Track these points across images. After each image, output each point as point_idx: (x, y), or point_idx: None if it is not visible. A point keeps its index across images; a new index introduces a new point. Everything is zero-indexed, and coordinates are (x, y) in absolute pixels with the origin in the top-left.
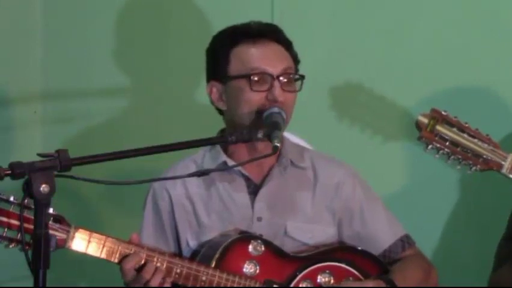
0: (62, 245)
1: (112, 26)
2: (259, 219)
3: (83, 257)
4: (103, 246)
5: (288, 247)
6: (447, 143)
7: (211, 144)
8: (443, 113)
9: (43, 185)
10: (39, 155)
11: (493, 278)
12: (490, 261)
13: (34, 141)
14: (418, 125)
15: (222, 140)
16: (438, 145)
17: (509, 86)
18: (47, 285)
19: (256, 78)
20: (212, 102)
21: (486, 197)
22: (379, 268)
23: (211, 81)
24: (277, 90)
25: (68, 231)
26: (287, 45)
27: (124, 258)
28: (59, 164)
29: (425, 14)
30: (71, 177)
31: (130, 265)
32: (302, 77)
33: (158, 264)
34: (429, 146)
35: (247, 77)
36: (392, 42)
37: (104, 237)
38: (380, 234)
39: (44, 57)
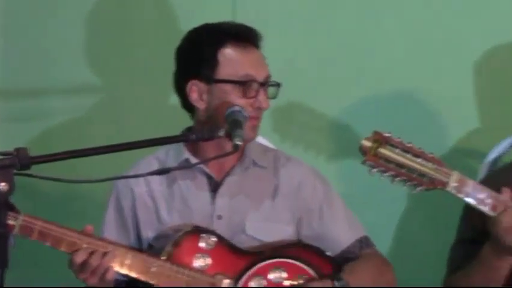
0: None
1: (75, 22)
2: (220, 217)
3: None
4: (50, 234)
5: (247, 245)
6: (391, 165)
7: (172, 142)
8: (385, 135)
9: (2, 184)
10: None
11: (447, 284)
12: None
13: None
14: (362, 150)
15: (182, 139)
16: (382, 168)
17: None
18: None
19: (247, 86)
20: (184, 99)
21: (439, 197)
22: (332, 266)
23: (191, 80)
24: (263, 98)
25: (16, 218)
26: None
27: (75, 251)
28: (18, 162)
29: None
30: (31, 175)
31: (81, 258)
32: (278, 85)
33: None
34: (374, 169)
35: (239, 83)
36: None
37: (53, 226)
38: (339, 234)
39: (2, 54)
